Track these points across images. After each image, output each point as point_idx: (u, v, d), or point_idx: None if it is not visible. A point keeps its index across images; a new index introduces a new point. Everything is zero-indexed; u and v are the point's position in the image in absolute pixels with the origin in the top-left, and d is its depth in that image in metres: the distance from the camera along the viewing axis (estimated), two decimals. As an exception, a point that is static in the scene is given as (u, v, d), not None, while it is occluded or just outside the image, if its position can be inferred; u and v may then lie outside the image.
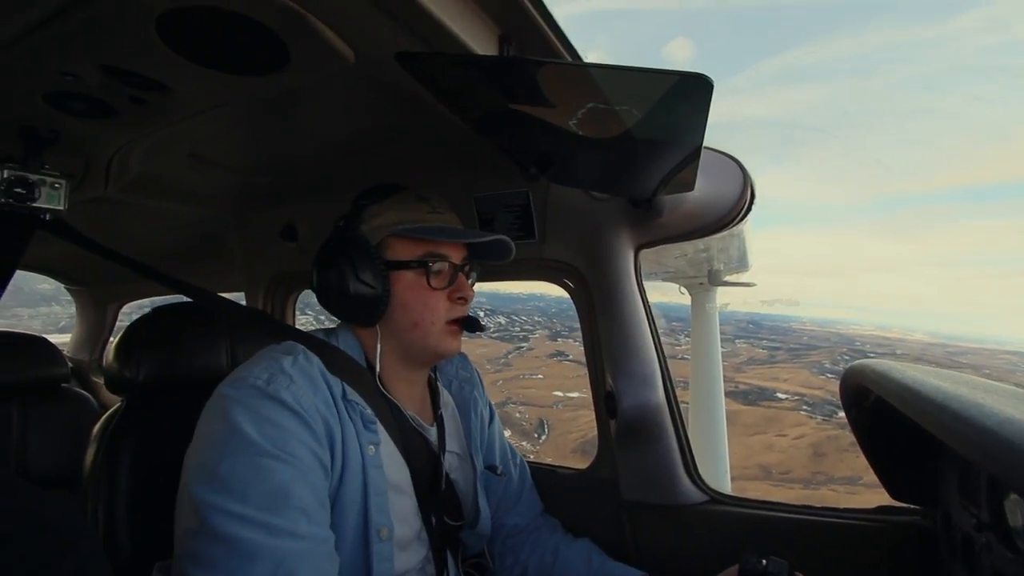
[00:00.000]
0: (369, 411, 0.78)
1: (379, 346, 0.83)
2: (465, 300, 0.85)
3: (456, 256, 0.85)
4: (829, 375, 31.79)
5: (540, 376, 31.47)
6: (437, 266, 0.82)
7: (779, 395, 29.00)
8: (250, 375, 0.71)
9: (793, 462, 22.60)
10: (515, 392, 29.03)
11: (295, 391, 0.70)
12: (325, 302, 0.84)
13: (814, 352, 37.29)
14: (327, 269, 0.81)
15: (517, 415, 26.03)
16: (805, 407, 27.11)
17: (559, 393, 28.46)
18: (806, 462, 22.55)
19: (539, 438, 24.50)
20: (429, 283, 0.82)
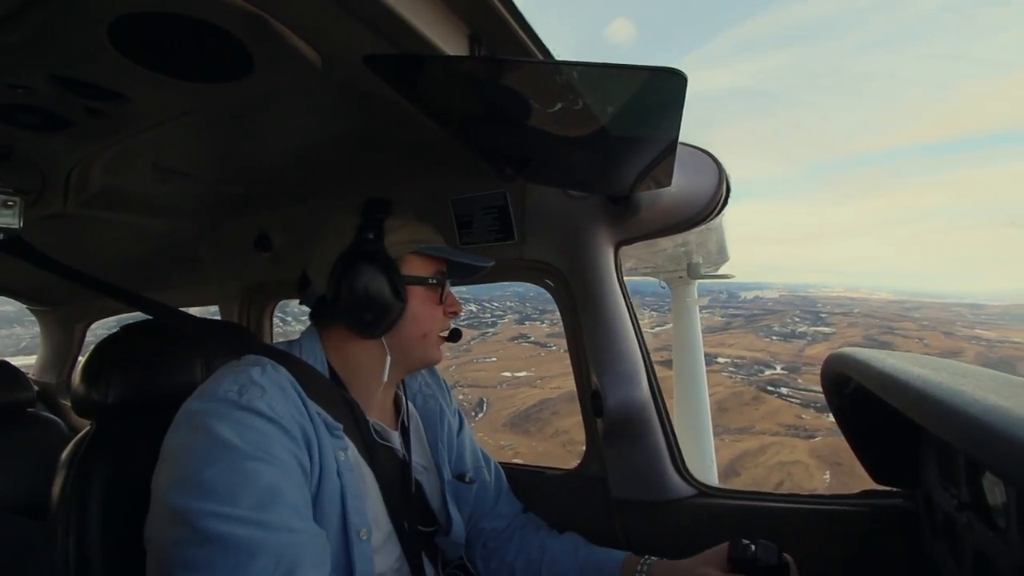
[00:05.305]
0: (332, 419, 0.78)
1: (388, 357, 0.85)
2: (456, 314, 0.92)
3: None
4: (775, 337, 32.81)
5: (493, 359, 31.35)
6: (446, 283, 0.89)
7: (719, 359, 29.16)
8: (220, 388, 0.69)
9: (696, 416, 23.16)
10: (465, 375, 29.03)
11: (269, 400, 0.69)
12: (333, 313, 0.83)
13: (768, 317, 37.92)
14: (349, 281, 0.80)
15: (460, 397, 26.01)
16: (731, 368, 27.51)
17: (507, 373, 28.36)
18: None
19: (476, 416, 24.61)
20: (441, 298, 0.88)
